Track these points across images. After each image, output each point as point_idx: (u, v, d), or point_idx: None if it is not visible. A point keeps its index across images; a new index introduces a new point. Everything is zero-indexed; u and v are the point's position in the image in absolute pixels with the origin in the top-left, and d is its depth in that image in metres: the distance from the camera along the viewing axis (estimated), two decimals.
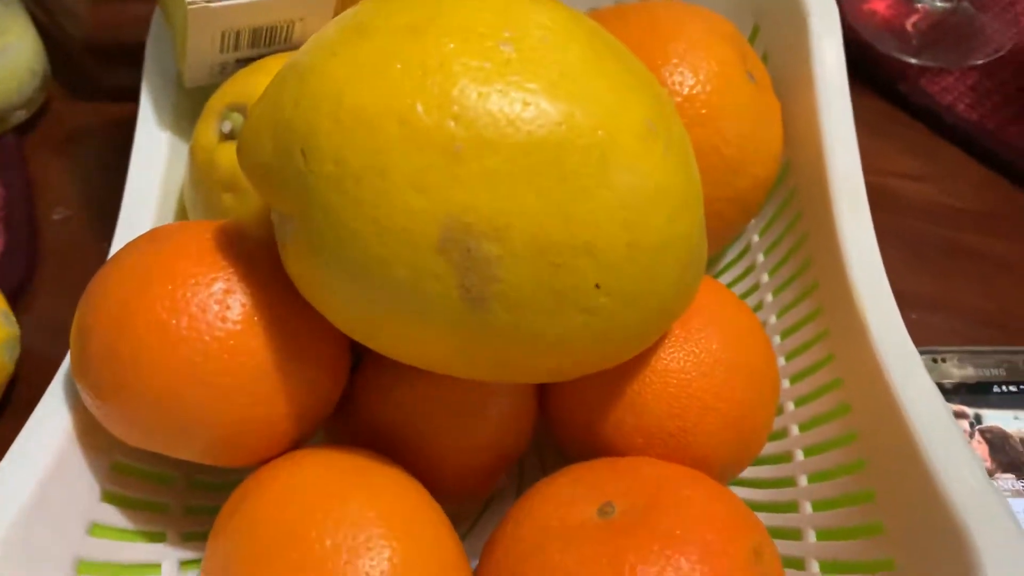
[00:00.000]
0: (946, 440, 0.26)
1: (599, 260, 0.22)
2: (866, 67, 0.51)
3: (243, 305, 0.25)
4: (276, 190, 0.23)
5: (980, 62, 0.52)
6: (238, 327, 0.25)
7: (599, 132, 0.21)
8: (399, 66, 0.21)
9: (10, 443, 0.32)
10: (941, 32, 0.52)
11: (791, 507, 0.31)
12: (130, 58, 0.50)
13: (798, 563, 0.29)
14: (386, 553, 0.24)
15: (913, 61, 0.51)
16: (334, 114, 0.21)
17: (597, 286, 0.22)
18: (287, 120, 0.22)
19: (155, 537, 0.29)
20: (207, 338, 0.24)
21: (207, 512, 0.31)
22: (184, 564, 0.30)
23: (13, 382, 0.40)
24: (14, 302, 0.42)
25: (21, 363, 0.40)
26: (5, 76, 0.47)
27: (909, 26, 0.53)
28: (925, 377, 0.28)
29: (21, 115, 0.49)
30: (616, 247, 0.22)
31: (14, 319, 0.39)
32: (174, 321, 0.24)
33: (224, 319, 0.25)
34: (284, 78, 0.23)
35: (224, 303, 0.25)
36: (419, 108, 0.21)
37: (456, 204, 0.21)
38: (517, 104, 0.21)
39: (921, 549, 0.25)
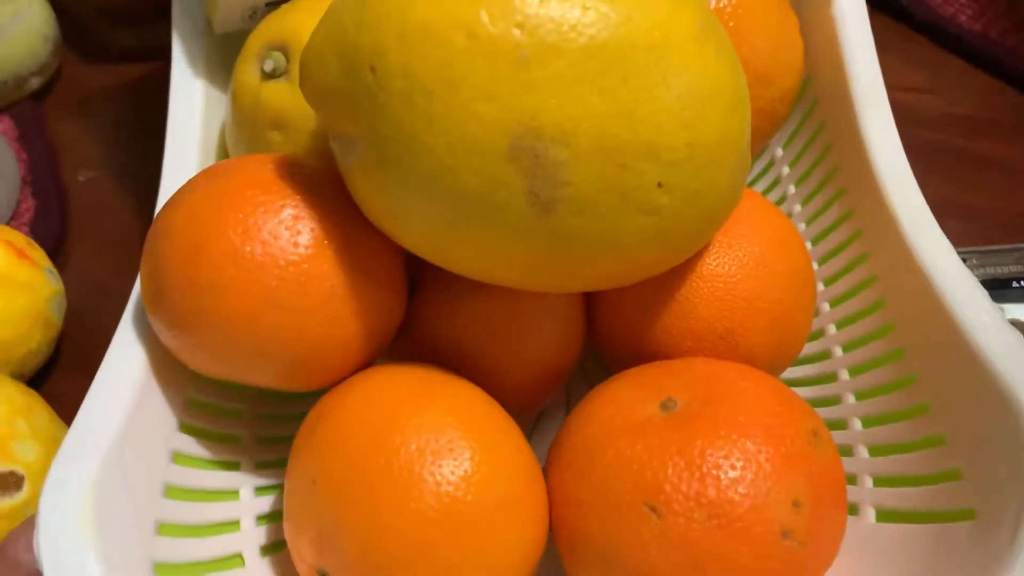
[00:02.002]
0: (986, 316, 0.27)
1: (661, 159, 0.23)
2: None
3: (312, 230, 0.26)
4: (343, 112, 0.24)
5: None
6: (309, 251, 0.26)
7: (656, 33, 0.22)
8: None
9: (66, 396, 0.34)
10: None
11: (834, 401, 0.33)
12: (138, 18, 0.51)
13: (847, 450, 0.31)
14: (467, 454, 0.25)
15: None
16: (400, 30, 0.22)
17: (659, 185, 0.23)
18: (352, 41, 0.23)
19: (231, 466, 0.31)
20: (282, 262, 0.25)
21: (277, 441, 0.33)
22: (259, 490, 0.31)
23: (60, 338, 0.41)
24: (51, 262, 0.42)
25: (65, 320, 0.41)
26: (18, 42, 0.47)
27: None
28: (958, 262, 0.29)
29: (36, 82, 0.49)
30: (676, 146, 0.23)
31: (58, 276, 0.40)
32: (248, 248, 0.25)
33: (296, 244, 0.26)
34: (343, 3, 0.24)
35: (294, 228, 0.26)
36: (484, 18, 0.21)
37: (524, 110, 0.22)
38: (577, 9, 0.22)
39: (968, 420, 0.26)
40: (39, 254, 0.39)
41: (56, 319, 0.39)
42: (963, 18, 0.51)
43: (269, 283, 0.25)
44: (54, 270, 0.40)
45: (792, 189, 0.38)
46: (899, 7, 0.52)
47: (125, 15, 0.50)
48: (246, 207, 0.26)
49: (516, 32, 0.21)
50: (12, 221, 0.44)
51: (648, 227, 0.24)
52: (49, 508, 0.23)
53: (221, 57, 0.37)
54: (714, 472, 0.25)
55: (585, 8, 0.22)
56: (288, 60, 0.31)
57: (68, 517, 0.23)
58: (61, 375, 0.41)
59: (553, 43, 0.21)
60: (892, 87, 0.49)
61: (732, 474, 0.25)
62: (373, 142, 0.23)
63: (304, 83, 0.25)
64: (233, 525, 0.29)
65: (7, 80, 0.47)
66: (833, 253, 0.35)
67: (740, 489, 0.24)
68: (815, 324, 0.35)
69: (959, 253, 0.41)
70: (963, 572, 0.24)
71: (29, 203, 0.44)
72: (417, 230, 0.25)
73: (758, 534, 0.24)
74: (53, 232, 0.44)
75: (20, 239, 0.38)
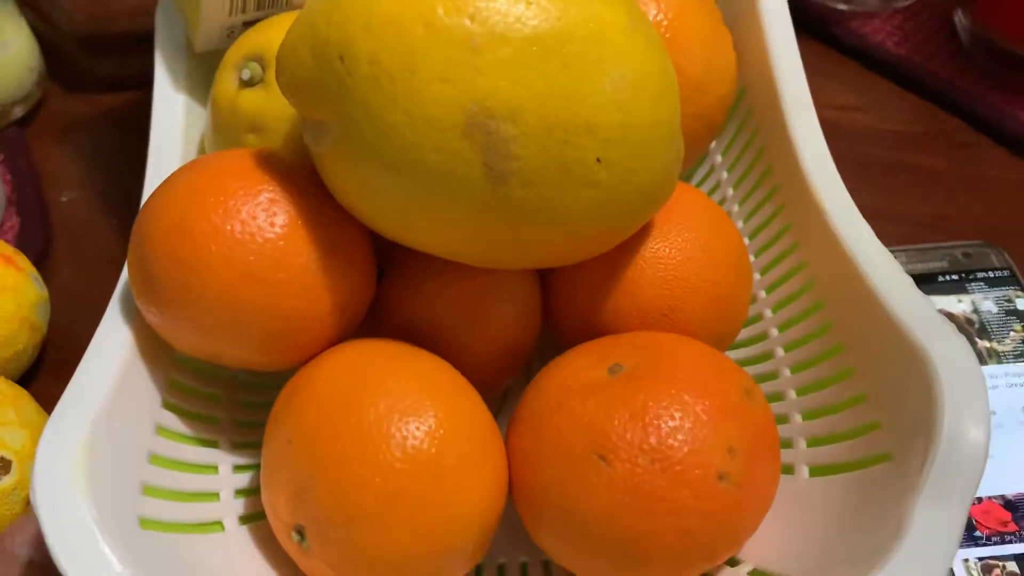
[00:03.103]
0: (900, 286, 0.30)
1: (598, 136, 0.26)
2: (802, 14, 0.56)
3: (287, 212, 0.29)
4: (316, 99, 0.26)
5: (903, 5, 0.57)
6: (285, 230, 0.28)
7: (591, 25, 0.25)
8: None
9: (49, 398, 0.35)
10: None
11: (772, 376, 0.35)
12: (118, 48, 0.54)
13: (783, 418, 0.33)
14: (431, 412, 0.27)
15: (844, 7, 0.56)
16: (366, 23, 0.25)
17: (598, 160, 0.26)
18: (323, 35, 0.26)
19: (210, 443, 0.33)
20: (259, 240, 0.28)
21: (253, 426, 0.35)
22: (237, 468, 0.33)
23: (44, 345, 0.42)
24: None
25: (49, 330, 0.42)
26: (3, 73, 0.50)
27: None
28: (873, 238, 0.32)
29: (19, 110, 0.52)
30: (611, 125, 0.26)
31: (43, 284, 0.42)
32: (228, 227, 0.28)
33: (272, 224, 0.28)
34: (312, 6, 0.27)
35: (271, 211, 0.28)
36: (440, 11, 0.24)
37: (478, 91, 0.25)
38: (522, 4, 0.25)
39: (886, 377, 0.29)
40: (24, 261, 0.41)
41: (41, 324, 0.41)
42: (890, 44, 0.55)
43: (248, 258, 0.28)
44: (39, 277, 0.42)
45: (731, 191, 0.42)
46: (831, 35, 0.56)
47: (105, 46, 0.53)
48: (226, 191, 0.28)
49: (468, 22, 0.24)
50: None
51: (589, 199, 0.27)
52: (45, 461, 0.25)
53: (200, 76, 0.40)
54: (655, 422, 0.27)
55: (528, 3, 0.25)
56: (263, 69, 0.34)
57: (62, 471, 0.25)
58: (45, 380, 0.42)
59: (501, 32, 0.25)
60: (826, 106, 0.53)
61: (671, 424, 0.27)
62: (344, 125, 0.26)
63: (280, 76, 0.27)
64: (213, 496, 0.31)
65: None
66: (768, 245, 0.38)
67: (679, 436, 0.27)
68: (753, 310, 0.38)
69: (891, 252, 0.45)
70: (883, 506, 0.27)
71: (13, 221, 0.47)
72: (384, 207, 0.27)
73: (696, 476, 0.27)
74: (37, 248, 0.46)
75: (6, 247, 0.40)
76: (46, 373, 0.42)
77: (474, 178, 0.26)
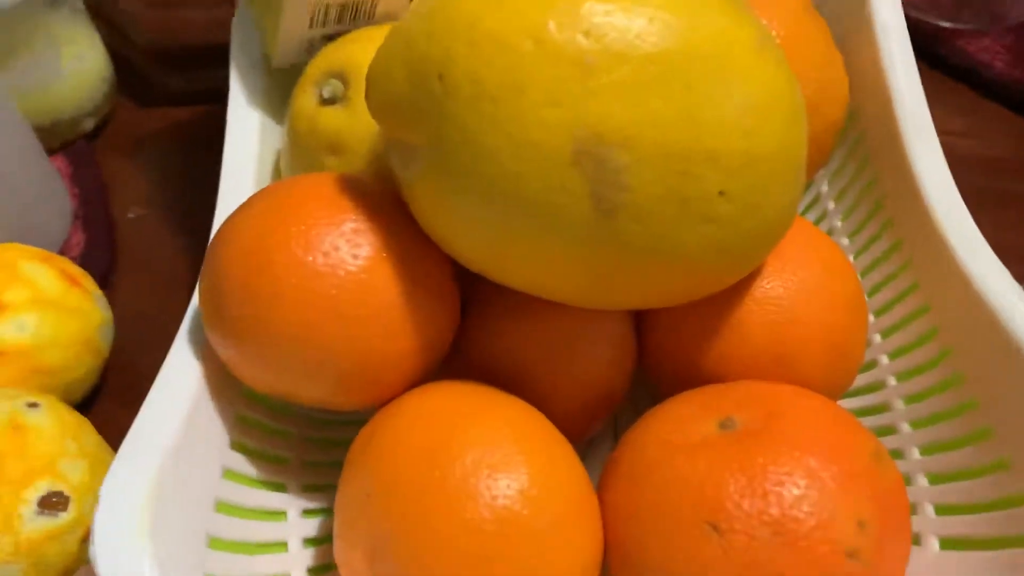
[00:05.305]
0: None
1: (721, 166, 0.23)
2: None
3: (371, 244, 0.26)
4: (408, 120, 0.24)
5: (1015, 23, 0.53)
6: (369, 263, 0.26)
7: (719, 42, 0.23)
8: None
9: (111, 426, 0.34)
10: None
11: (890, 430, 0.32)
12: (189, 62, 0.52)
13: (905, 479, 0.30)
14: (524, 468, 0.25)
15: (948, 25, 0.53)
16: (469, 38, 0.22)
17: (720, 193, 0.23)
18: (421, 51, 0.23)
19: (278, 487, 0.30)
20: (341, 273, 0.25)
21: (323, 466, 0.32)
22: (306, 512, 0.31)
23: (105, 368, 0.41)
24: None
25: (112, 352, 0.41)
26: (77, 84, 0.49)
27: None
28: (1009, 279, 0.29)
29: (90, 123, 0.51)
30: (736, 153, 0.23)
31: (107, 304, 0.40)
32: (310, 258, 0.25)
33: (356, 256, 0.26)
34: (409, 21, 0.24)
35: (354, 241, 0.26)
36: (551, 26, 0.22)
37: (589, 115, 0.22)
38: (642, 18, 0.22)
39: None
40: (89, 282, 0.39)
41: (104, 347, 0.39)
42: (999, 64, 0.51)
43: (329, 292, 0.25)
44: (103, 298, 0.40)
45: (839, 223, 0.38)
46: (936, 55, 0.53)
47: (176, 60, 0.52)
48: (308, 219, 0.26)
49: (582, 39, 0.22)
50: (63, 254, 0.45)
51: (707, 236, 0.24)
52: (107, 512, 0.23)
53: (276, 92, 0.38)
54: (777, 489, 0.24)
55: (651, 18, 0.22)
56: (345, 87, 0.32)
57: (125, 523, 0.23)
58: (106, 404, 0.41)
59: (618, 50, 0.22)
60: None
61: (796, 492, 0.24)
62: (437, 149, 0.24)
63: (371, 95, 0.25)
64: (281, 546, 0.29)
65: (63, 120, 0.48)
66: (883, 283, 0.35)
67: (804, 507, 0.24)
68: (867, 355, 0.34)
69: None
70: None
71: (79, 237, 0.45)
72: (476, 240, 0.25)
73: (823, 554, 0.24)
74: (101, 265, 0.44)
75: (71, 267, 0.39)
76: (108, 398, 0.41)
77: (580, 211, 0.23)
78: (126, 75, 0.53)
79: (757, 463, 0.25)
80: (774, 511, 0.24)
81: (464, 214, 0.24)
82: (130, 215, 0.48)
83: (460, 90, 0.23)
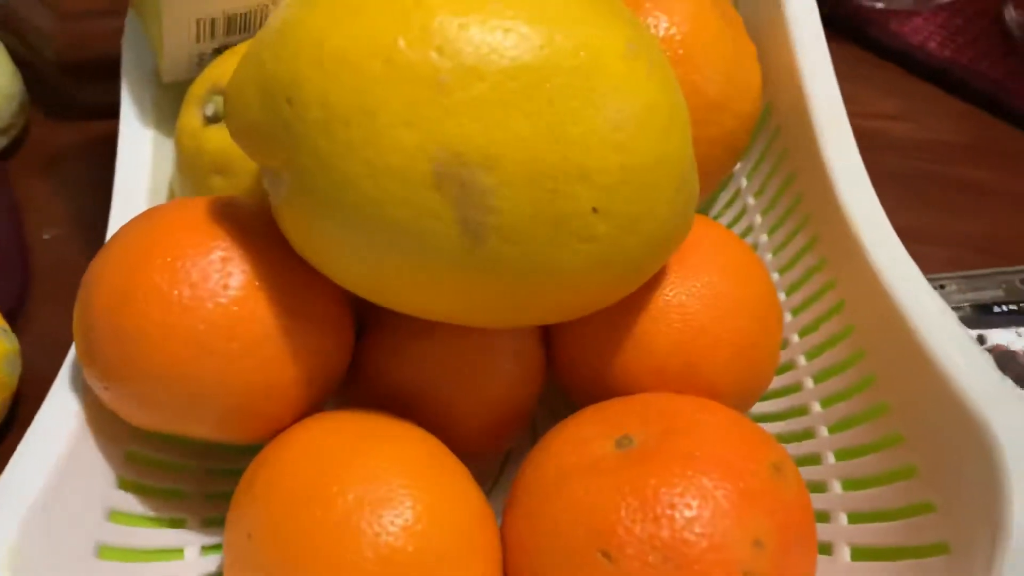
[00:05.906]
0: (955, 341, 0.26)
1: (594, 183, 0.22)
2: (836, 15, 0.52)
3: (243, 272, 0.25)
4: (265, 145, 0.23)
5: (946, 1, 0.52)
6: (240, 292, 0.25)
7: (581, 53, 0.21)
8: (376, 6, 0.21)
9: None
10: None
11: (807, 435, 0.31)
12: (103, 74, 0.51)
13: (820, 486, 0.29)
14: (408, 503, 0.24)
15: (880, 6, 0.52)
16: (316, 59, 0.21)
17: (594, 210, 0.22)
18: (270, 73, 0.22)
19: (176, 523, 0.29)
20: (210, 305, 0.24)
21: (227, 497, 0.31)
22: (206, 549, 0.30)
23: (16, 400, 0.39)
24: (11, 322, 0.42)
25: (23, 381, 0.39)
26: None
27: None
28: (925, 285, 0.28)
29: (1, 141, 0.49)
30: (609, 169, 0.22)
31: (13, 335, 0.39)
32: (176, 291, 0.24)
33: (226, 286, 0.25)
34: (261, 38, 0.23)
35: (224, 271, 0.25)
36: (401, 43, 0.21)
37: (447, 135, 0.21)
38: (498, 31, 0.21)
39: (940, 451, 0.25)
40: None
41: (10, 380, 0.38)
42: (932, 45, 0.50)
43: (196, 327, 0.24)
44: (9, 330, 0.39)
45: (758, 219, 0.37)
46: (868, 37, 0.52)
47: (89, 71, 0.50)
48: (174, 250, 0.25)
49: (434, 55, 0.21)
50: None
51: (587, 254, 0.23)
52: None
53: (171, 108, 0.37)
54: (668, 512, 0.23)
55: (506, 30, 0.21)
56: None
57: None
58: (15, 438, 0.39)
59: (473, 66, 0.21)
60: (864, 115, 0.49)
61: (688, 513, 0.23)
62: (296, 175, 0.22)
63: (229, 119, 0.24)
64: None
65: None
66: (801, 282, 0.34)
67: (696, 529, 0.23)
68: (784, 356, 0.33)
69: (940, 279, 0.41)
70: None
71: None
72: (349, 266, 0.24)
73: None
74: (14, 290, 0.43)
75: None
76: (17, 432, 0.39)
77: (448, 235, 0.22)
78: (38, 90, 0.52)
79: (649, 485, 0.24)
80: (665, 535, 0.23)
81: (332, 239, 0.23)
82: (45, 236, 0.47)
83: (309, 113, 0.21)
